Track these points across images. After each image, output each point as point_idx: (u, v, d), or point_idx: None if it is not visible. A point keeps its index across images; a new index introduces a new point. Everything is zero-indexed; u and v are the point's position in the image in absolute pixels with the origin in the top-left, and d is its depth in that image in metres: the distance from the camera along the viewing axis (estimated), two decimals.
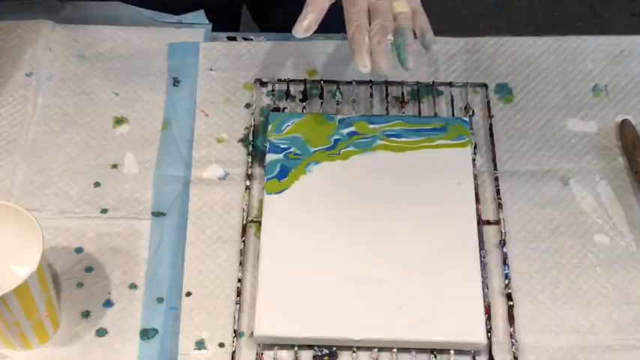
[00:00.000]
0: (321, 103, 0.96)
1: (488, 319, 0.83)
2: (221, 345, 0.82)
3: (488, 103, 0.97)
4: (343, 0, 0.83)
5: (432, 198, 0.87)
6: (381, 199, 0.87)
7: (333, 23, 0.85)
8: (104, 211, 0.90)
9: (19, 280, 0.72)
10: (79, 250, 0.88)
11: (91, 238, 0.88)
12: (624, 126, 0.95)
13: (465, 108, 0.97)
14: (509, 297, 0.84)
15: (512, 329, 0.82)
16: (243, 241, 0.87)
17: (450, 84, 0.98)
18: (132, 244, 0.88)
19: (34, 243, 0.75)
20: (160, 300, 0.85)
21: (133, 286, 0.86)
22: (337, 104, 0.97)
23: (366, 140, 0.91)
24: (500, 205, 0.90)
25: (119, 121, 0.96)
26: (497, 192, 0.91)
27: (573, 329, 0.83)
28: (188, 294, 0.85)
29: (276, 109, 0.96)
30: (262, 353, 0.82)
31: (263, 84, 0.99)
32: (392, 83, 0.98)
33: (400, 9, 0.83)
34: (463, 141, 0.90)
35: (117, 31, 1.03)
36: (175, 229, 0.89)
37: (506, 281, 0.85)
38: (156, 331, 0.83)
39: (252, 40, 1.03)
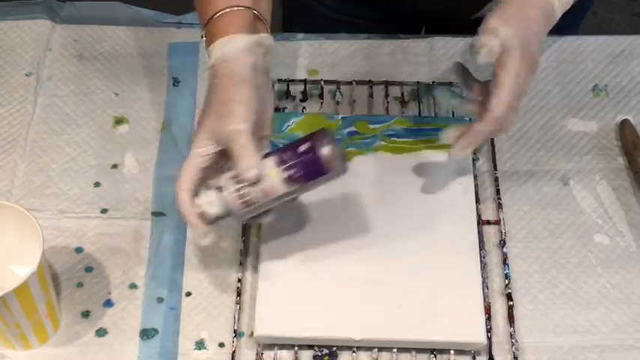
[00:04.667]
0: (321, 103, 0.96)
1: (488, 319, 0.83)
2: (221, 345, 0.82)
3: None
4: None
5: (432, 198, 0.87)
6: (381, 199, 0.87)
7: (333, 24, 0.85)
8: (104, 211, 0.90)
9: (19, 280, 0.72)
10: (79, 250, 0.88)
11: (91, 238, 0.88)
12: (624, 126, 0.95)
13: None
14: (509, 297, 0.84)
15: (512, 329, 0.82)
16: (243, 241, 0.87)
17: (450, 84, 0.97)
18: (132, 244, 0.88)
19: (34, 243, 0.75)
20: (160, 300, 0.85)
21: (133, 286, 0.86)
22: (337, 104, 0.97)
23: (366, 141, 0.91)
24: (500, 205, 0.90)
25: (119, 121, 0.96)
26: (497, 192, 0.91)
27: (573, 329, 0.83)
28: (188, 294, 0.85)
29: (276, 109, 0.96)
30: (262, 353, 0.81)
31: None
32: (392, 83, 0.98)
33: None
34: None
35: (117, 31, 1.03)
36: (175, 229, 0.89)
37: (506, 281, 0.85)
38: (156, 331, 0.83)
39: None
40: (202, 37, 0.79)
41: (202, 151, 0.74)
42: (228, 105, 0.74)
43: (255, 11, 0.78)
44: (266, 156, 0.74)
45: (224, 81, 0.75)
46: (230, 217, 0.76)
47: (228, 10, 0.77)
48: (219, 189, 0.74)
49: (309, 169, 0.74)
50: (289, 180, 0.73)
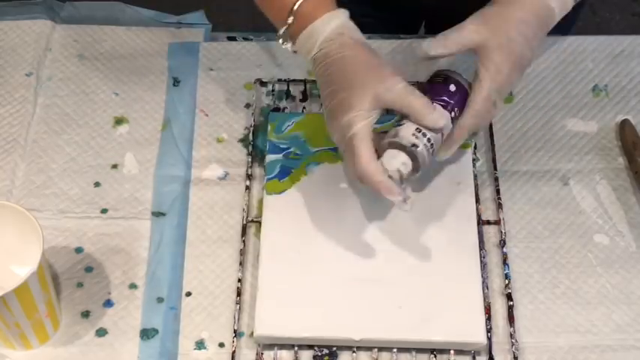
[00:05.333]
0: (321, 103, 0.96)
1: (488, 319, 0.83)
2: (221, 345, 0.82)
3: None
4: None
5: (432, 198, 0.87)
6: (381, 199, 0.87)
7: None
8: (104, 211, 0.90)
9: (19, 280, 0.72)
10: (79, 250, 0.88)
11: (91, 238, 0.88)
12: (624, 126, 0.95)
13: None
14: (509, 297, 0.84)
15: (512, 329, 0.82)
16: (243, 241, 0.87)
17: None
18: (132, 244, 0.88)
19: (34, 243, 0.75)
20: (160, 300, 0.85)
21: (133, 286, 0.86)
22: None
23: None
24: (500, 205, 0.90)
25: (119, 121, 0.96)
26: (498, 192, 0.91)
27: (573, 329, 0.83)
28: (188, 294, 0.85)
29: (276, 109, 0.96)
30: (262, 353, 0.81)
31: (263, 84, 0.99)
32: None
33: None
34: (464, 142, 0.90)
35: (117, 31, 1.03)
36: (175, 229, 0.89)
37: (506, 281, 0.85)
38: (156, 331, 0.83)
39: (252, 40, 1.03)
40: (286, 26, 0.79)
41: (372, 119, 0.75)
42: (381, 68, 0.75)
43: None
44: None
45: (356, 51, 0.76)
46: (415, 173, 0.78)
47: None
48: (409, 146, 0.75)
49: (463, 104, 0.78)
50: (454, 118, 0.78)
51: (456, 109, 0.78)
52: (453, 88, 0.78)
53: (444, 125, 0.76)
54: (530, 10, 0.79)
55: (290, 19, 0.78)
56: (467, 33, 0.78)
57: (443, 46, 0.78)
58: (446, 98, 0.78)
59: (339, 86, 0.76)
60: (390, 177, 0.76)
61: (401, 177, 0.76)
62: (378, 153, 0.77)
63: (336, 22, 0.77)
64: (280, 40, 0.80)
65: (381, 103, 0.75)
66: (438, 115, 0.75)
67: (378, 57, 0.77)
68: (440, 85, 0.78)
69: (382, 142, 0.77)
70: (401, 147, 0.76)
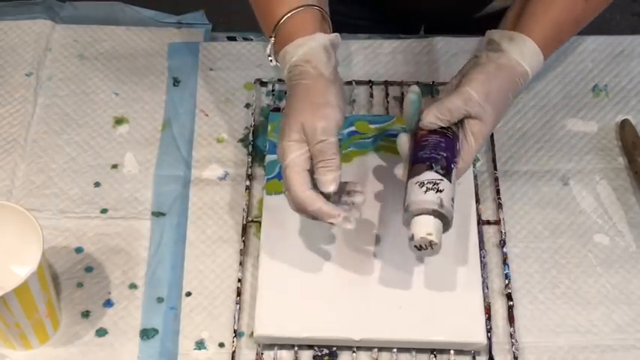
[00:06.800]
0: None
1: (488, 319, 0.83)
2: (221, 345, 0.82)
3: None
4: None
5: None
6: (381, 199, 0.87)
7: (334, 25, 0.85)
8: (104, 211, 0.90)
9: (19, 280, 0.72)
10: (79, 250, 0.88)
11: (91, 238, 0.88)
12: (624, 126, 0.95)
13: None
14: (509, 297, 0.84)
15: (512, 329, 0.82)
16: (243, 241, 0.87)
17: None
18: (132, 244, 0.88)
19: (34, 243, 0.75)
20: (160, 300, 0.85)
21: (133, 286, 0.86)
22: None
23: (366, 141, 0.91)
24: (500, 205, 0.90)
25: (119, 121, 0.96)
26: (498, 192, 0.91)
27: (573, 329, 0.83)
28: (188, 294, 0.85)
29: (276, 109, 0.96)
30: (262, 353, 0.81)
31: (263, 84, 0.99)
32: (392, 83, 0.98)
33: None
34: None
35: (117, 31, 1.03)
36: (175, 229, 0.89)
37: (506, 281, 0.85)
38: (156, 331, 0.83)
39: (252, 40, 1.03)
40: (271, 37, 0.79)
41: (306, 150, 0.74)
42: (321, 104, 0.75)
43: (322, 10, 0.79)
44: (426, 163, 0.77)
45: (312, 82, 0.76)
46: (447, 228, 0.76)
47: (300, 9, 0.78)
48: (436, 208, 0.74)
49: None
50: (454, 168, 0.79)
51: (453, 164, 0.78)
52: (443, 144, 0.77)
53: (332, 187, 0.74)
54: (508, 77, 0.79)
55: (272, 38, 0.80)
56: (454, 108, 0.77)
57: (447, 120, 0.78)
58: (449, 155, 0.77)
59: (286, 112, 0.77)
60: (421, 246, 0.74)
61: (431, 244, 0.74)
62: (405, 222, 0.76)
63: (305, 48, 0.77)
64: (267, 55, 0.81)
65: (305, 134, 0.74)
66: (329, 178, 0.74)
67: (330, 92, 0.76)
68: (436, 141, 0.78)
69: (404, 213, 0.76)
70: (428, 212, 0.75)
